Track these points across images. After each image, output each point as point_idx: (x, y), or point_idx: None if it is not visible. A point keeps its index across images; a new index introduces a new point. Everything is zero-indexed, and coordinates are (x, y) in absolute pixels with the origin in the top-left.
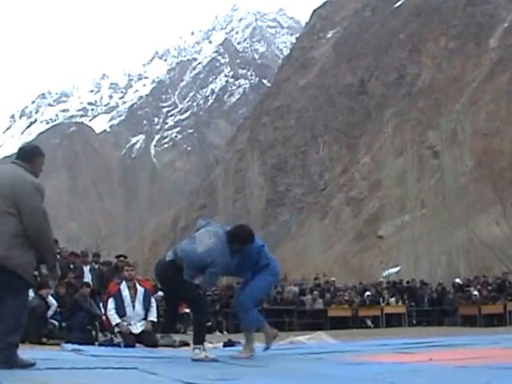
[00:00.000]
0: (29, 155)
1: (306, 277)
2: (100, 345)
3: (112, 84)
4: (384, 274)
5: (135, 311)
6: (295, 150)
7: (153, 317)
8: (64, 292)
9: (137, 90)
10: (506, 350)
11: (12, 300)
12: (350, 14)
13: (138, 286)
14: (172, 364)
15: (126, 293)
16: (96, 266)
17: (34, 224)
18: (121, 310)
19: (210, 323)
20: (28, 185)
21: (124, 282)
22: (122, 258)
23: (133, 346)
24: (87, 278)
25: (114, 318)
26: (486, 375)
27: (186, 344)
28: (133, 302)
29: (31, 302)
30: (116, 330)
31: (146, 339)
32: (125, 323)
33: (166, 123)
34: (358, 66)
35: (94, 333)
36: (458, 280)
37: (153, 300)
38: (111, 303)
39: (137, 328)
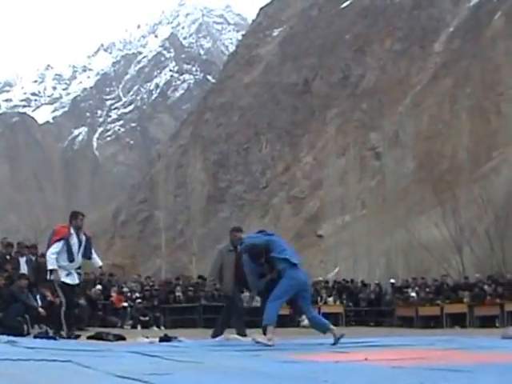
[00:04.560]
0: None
1: None
2: (35, 337)
3: (56, 75)
4: (328, 277)
5: (77, 260)
6: (238, 146)
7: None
8: (2, 283)
9: (81, 82)
10: (441, 351)
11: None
12: (296, 13)
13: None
14: (107, 358)
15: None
16: (33, 258)
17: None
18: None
19: (147, 318)
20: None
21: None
22: None
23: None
24: (23, 269)
25: (52, 263)
26: (419, 376)
27: (123, 338)
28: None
29: None
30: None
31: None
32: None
33: (110, 116)
34: (303, 65)
35: (25, 326)
36: (392, 280)
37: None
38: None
39: (75, 279)
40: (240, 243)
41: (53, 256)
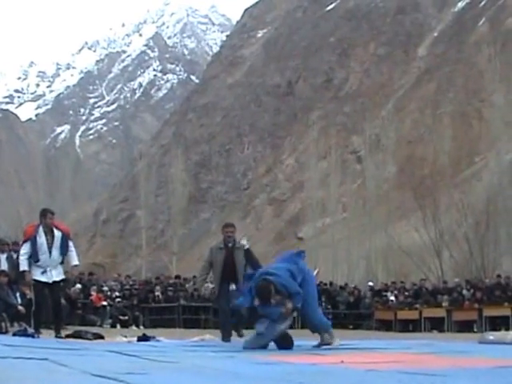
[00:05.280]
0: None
1: None
2: (14, 334)
3: (40, 72)
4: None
5: (52, 257)
6: (220, 147)
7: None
8: None
9: (64, 80)
10: (417, 355)
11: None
12: (281, 15)
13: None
14: (84, 356)
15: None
16: (14, 255)
17: None
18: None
19: (126, 317)
20: None
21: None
22: None
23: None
24: (3, 266)
25: (23, 265)
26: (394, 379)
27: (101, 337)
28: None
29: None
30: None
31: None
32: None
33: (92, 114)
34: (287, 67)
35: (3, 324)
36: (371, 283)
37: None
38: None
39: (51, 276)
40: (232, 241)
41: (22, 258)
